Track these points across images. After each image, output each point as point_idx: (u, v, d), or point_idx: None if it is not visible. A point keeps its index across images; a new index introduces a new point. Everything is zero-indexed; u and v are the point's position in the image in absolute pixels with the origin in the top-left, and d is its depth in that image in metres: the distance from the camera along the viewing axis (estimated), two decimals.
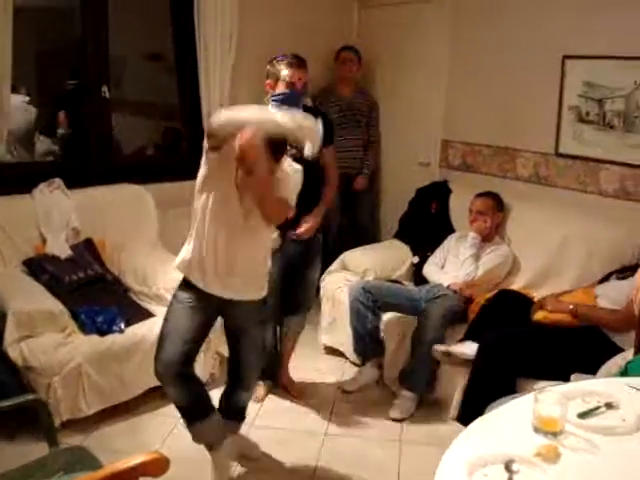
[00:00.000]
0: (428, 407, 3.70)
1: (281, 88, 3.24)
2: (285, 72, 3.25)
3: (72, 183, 4.18)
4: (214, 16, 4.54)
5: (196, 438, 2.97)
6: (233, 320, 2.95)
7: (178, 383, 2.83)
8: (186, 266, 2.83)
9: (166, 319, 2.87)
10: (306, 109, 3.11)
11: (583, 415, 1.95)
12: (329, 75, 5.24)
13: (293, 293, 3.65)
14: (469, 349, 3.37)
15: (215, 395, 3.17)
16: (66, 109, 5.28)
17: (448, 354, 3.48)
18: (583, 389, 2.13)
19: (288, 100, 3.03)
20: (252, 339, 2.98)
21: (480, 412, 2.19)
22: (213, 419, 2.94)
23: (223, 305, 2.85)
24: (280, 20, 5.01)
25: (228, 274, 2.76)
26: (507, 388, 2.89)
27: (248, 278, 2.83)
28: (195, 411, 2.92)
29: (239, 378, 3.08)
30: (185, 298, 2.83)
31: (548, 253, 3.88)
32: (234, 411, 3.16)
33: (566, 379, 2.82)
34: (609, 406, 2.01)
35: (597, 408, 2.00)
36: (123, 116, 5.27)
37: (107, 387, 3.45)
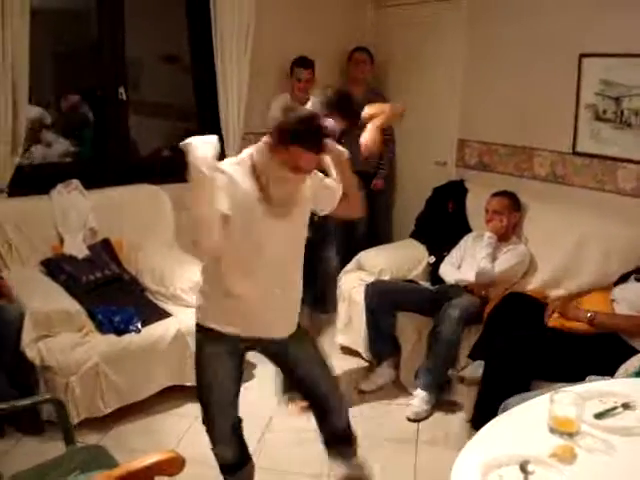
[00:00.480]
0: (444, 407, 3.68)
1: None
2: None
3: (90, 184, 4.22)
4: (230, 17, 4.57)
5: None
6: (286, 353, 2.67)
7: (232, 445, 2.65)
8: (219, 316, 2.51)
9: (204, 382, 2.58)
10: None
11: (600, 415, 1.94)
12: (343, 75, 5.24)
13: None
14: (481, 370, 3.35)
15: None
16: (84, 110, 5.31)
17: (462, 379, 3.47)
18: (600, 389, 2.12)
19: None
20: (310, 358, 2.72)
21: (494, 414, 2.18)
22: (249, 466, 2.75)
23: (265, 345, 2.62)
24: (295, 20, 5.04)
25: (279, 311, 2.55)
26: (521, 391, 2.86)
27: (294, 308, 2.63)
28: (237, 464, 2.70)
29: (322, 405, 2.77)
30: (216, 352, 2.53)
31: (565, 253, 3.84)
32: (339, 437, 2.84)
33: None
34: (626, 406, 2.00)
35: (614, 408, 1.99)
36: (140, 118, 5.30)
37: (124, 386, 3.47)
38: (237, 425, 2.66)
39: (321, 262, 4.15)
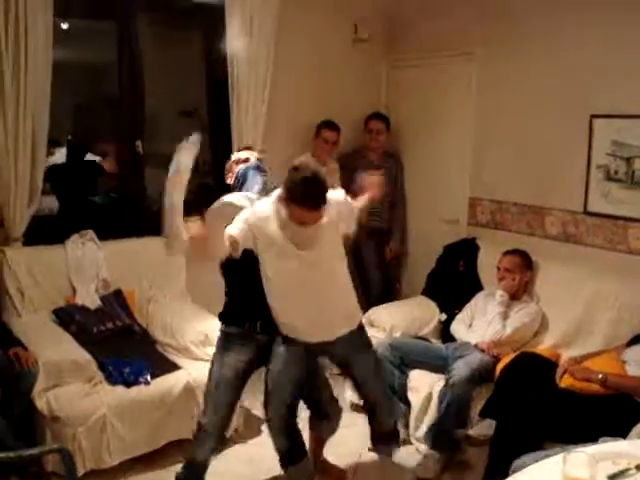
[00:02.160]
0: (455, 468, 3.63)
1: (235, 170, 3.31)
2: (233, 157, 3.37)
3: (104, 235, 4.27)
4: (247, 73, 4.66)
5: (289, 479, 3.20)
6: (342, 356, 3.13)
7: (285, 432, 3.08)
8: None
9: (272, 371, 3.03)
10: None
11: (613, 477, 1.92)
12: (360, 136, 5.28)
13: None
14: (489, 429, 3.31)
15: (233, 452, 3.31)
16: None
17: (469, 437, 3.43)
18: (613, 450, 2.09)
19: (245, 175, 3.23)
20: (364, 365, 3.16)
21: (505, 475, 2.14)
22: (305, 462, 3.18)
23: (326, 348, 3.03)
24: (312, 77, 5.13)
25: (325, 317, 2.94)
26: (533, 451, 2.82)
27: (342, 311, 3.03)
28: (293, 456, 3.13)
29: (374, 408, 3.28)
30: (285, 352, 2.99)
31: (577, 313, 3.83)
32: (386, 435, 3.39)
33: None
34: (639, 468, 1.96)
35: (627, 470, 1.96)
36: (155, 170, 5.37)
37: (131, 438, 3.44)
38: (293, 414, 3.11)
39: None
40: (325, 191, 2.71)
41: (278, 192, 2.81)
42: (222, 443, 3.32)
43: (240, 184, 3.19)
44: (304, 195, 2.66)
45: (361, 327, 3.16)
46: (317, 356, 3.14)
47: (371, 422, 3.38)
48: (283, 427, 3.08)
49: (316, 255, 2.85)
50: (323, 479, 3.53)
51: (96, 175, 4.82)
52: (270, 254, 2.84)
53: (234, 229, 2.77)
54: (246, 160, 3.30)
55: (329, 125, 4.92)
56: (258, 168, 3.25)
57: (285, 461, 3.15)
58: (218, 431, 3.15)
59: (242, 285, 3.08)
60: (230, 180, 3.29)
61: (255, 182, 3.16)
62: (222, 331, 3.16)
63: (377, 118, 5.15)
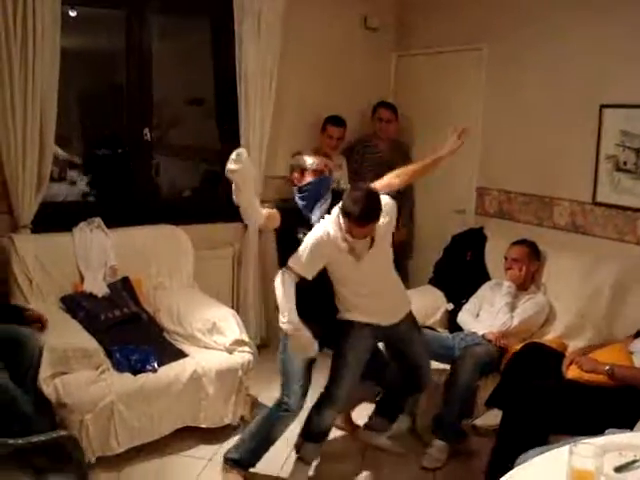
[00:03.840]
0: (461, 457, 3.63)
1: (308, 178, 3.29)
2: (309, 160, 3.32)
3: (112, 222, 4.28)
4: (255, 61, 4.66)
5: (302, 452, 3.36)
6: (401, 337, 3.40)
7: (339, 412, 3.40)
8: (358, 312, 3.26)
9: (345, 354, 3.24)
10: (335, 194, 3.29)
11: (620, 469, 1.91)
12: (368, 125, 5.28)
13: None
14: (495, 419, 3.31)
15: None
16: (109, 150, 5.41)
17: (475, 427, 3.43)
18: (619, 442, 2.08)
19: (315, 189, 3.25)
20: (419, 340, 3.50)
21: (509, 466, 2.14)
22: (321, 445, 3.38)
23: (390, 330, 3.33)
24: (319, 67, 5.13)
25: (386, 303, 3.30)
26: (538, 443, 2.82)
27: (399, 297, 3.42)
28: (322, 435, 3.34)
29: (417, 382, 3.51)
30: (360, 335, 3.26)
31: (584, 303, 3.82)
32: (398, 409, 3.71)
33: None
34: None
35: (634, 462, 1.95)
36: (163, 158, 5.38)
37: (138, 426, 3.46)
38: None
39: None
40: (376, 209, 2.98)
41: (338, 209, 3.05)
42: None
43: (308, 197, 3.25)
44: (355, 209, 2.92)
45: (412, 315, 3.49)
46: (389, 336, 3.39)
47: (396, 395, 3.65)
48: (341, 406, 3.35)
49: (374, 257, 3.13)
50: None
51: None
52: (339, 264, 3.14)
53: (302, 266, 3.08)
54: (321, 172, 3.30)
55: (335, 121, 4.90)
56: (329, 189, 3.32)
57: (318, 437, 3.33)
58: (300, 407, 3.30)
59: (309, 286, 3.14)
60: (298, 183, 3.32)
61: (320, 208, 3.24)
62: None
63: (386, 107, 5.11)
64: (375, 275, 3.20)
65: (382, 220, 3.05)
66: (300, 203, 3.28)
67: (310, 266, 3.07)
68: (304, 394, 3.28)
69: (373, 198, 2.98)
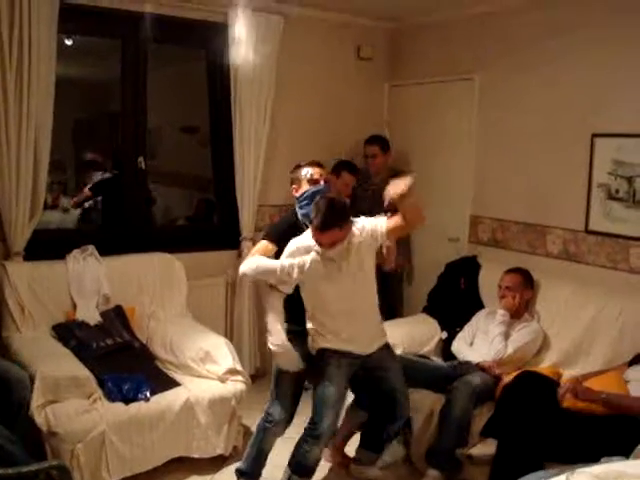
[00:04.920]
0: None
1: (305, 187, 3.40)
2: (305, 171, 3.44)
3: (106, 250, 4.26)
4: (250, 91, 4.70)
5: None
6: (377, 365, 3.35)
7: (325, 444, 3.31)
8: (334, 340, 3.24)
9: (326, 388, 3.20)
10: None
11: None
12: (361, 154, 5.27)
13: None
14: (490, 449, 3.29)
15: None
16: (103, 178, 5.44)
17: (470, 457, 3.41)
18: (616, 470, 2.06)
19: (311, 197, 3.29)
20: (396, 371, 3.42)
21: None
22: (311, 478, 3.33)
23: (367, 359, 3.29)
24: (314, 96, 5.17)
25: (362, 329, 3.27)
26: (534, 471, 2.80)
27: (376, 326, 3.38)
28: (311, 471, 3.30)
29: (394, 410, 3.42)
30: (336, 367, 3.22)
31: (578, 331, 3.82)
32: (380, 442, 3.59)
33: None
34: None
35: None
36: (157, 186, 5.40)
37: (130, 456, 3.42)
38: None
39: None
40: (335, 215, 3.01)
41: None
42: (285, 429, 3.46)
43: (306, 206, 3.31)
44: (315, 217, 3.01)
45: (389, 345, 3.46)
46: (366, 365, 3.32)
47: (376, 426, 3.55)
48: (327, 439, 3.29)
49: (352, 274, 3.16)
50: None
51: None
52: (316, 274, 3.13)
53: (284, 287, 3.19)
54: (316, 181, 3.41)
55: (349, 168, 4.77)
56: (326, 192, 3.37)
57: (307, 472, 3.28)
58: (284, 420, 3.37)
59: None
60: (296, 193, 3.44)
61: None
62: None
63: (371, 142, 5.06)
64: (352, 294, 3.20)
65: (357, 237, 3.12)
66: (300, 212, 3.37)
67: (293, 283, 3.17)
68: (288, 409, 3.37)
69: (334, 206, 3.04)
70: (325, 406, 3.19)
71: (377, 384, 3.42)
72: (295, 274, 3.12)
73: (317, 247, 3.11)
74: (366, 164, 5.09)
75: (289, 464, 3.30)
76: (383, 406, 3.46)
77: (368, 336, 3.31)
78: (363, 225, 3.20)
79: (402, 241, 5.09)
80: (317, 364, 3.25)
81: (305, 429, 3.26)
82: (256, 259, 3.27)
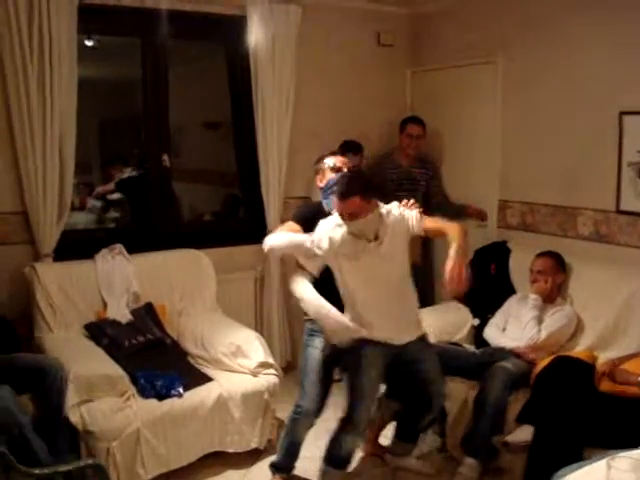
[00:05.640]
0: (493, 475, 3.55)
1: (328, 177, 3.38)
2: (329, 160, 3.43)
3: (133, 249, 4.29)
4: (271, 84, 4.68)
5: (325, 478, 3.30)
6: (411, 358, 3.29)
7: (362, 434, 3.29)
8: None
9: (362, 374, 3.16)
10: None
11: None
12: (386, 142, 5.27)
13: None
14: (526, 435, 3.25)
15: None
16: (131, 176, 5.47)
17: (506, 444, 3.37)
18: None
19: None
20: (432, 361, 3.36)
21: None
22: (345, 472, 3.31)
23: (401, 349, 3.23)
24: (335, 86, 5.14)
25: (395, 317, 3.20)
26: (572, 457, 2.75)
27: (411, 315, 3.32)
28: (345, 461, 3.27)
29: (429, 402, 3.38)
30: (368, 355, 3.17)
31: (612, 314, 3.75)
32: (415, 433, 3.58)
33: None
34: None
35: None
36: (183, 183, 5.41)
37: (165, 452, 3.44)
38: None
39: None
40: (355, 184, 2.99)
41: None
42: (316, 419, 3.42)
43: (330, 193, 3.26)
44: (336, 185, 3.06)
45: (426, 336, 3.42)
46: (400, 356, 3.25)
47: (410, 417, 3.53)
48: (361, 431, 3.26)
49: (381, 256, 3.08)
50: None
51: None
52: (343, 259, 3.10)
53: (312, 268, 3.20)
54: (339, 170, 3.39)
55: (352, 149, 4.81)
56: None
57: (340, 463, 3.26)
58: (314, 411, 3.34)
59: (327, 284, 3.20)
60: (321, 183, 3.43)
61: None
62: (306, 319, 3.37)
63: (416, 122, 4.98)
64: (382, 279, 3.14)
65: (391, 219, 3.09)
66: (324, 202, 3.35)
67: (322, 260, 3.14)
68: (318, 398, 3.33)
69: (357, 176, 3.11)
70: (358, 396, 3.17)
71: (413, 376, 3.37)
72: (325, 245, 3.08)
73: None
74: (407, 145, 4.97)
75: (324, 456, 3.28)
76: (418, 398, 3.42)
77: (401, 326, 3.24)
78: (400, 212, 3.14)
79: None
80: (350, 353, 3.20)
81: (339, 420, 3.24)
82: (284, 233, 3.28)
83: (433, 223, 3.16)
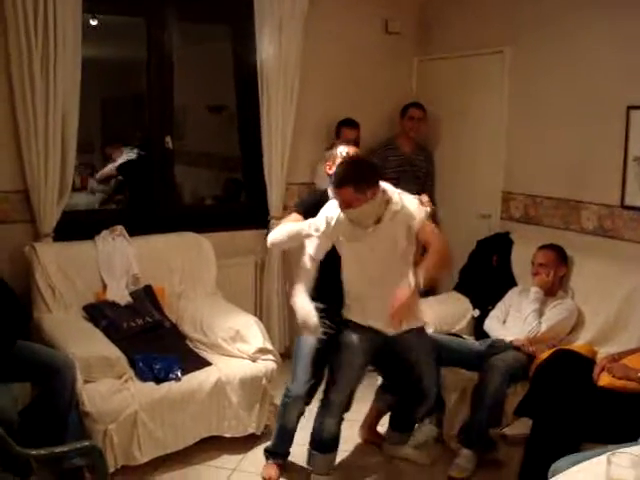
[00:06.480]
0: (489, 467, 3.55)
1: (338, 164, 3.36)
2: (342, 148, 3.42)
3: (135, 231, 4.26)
4: (277, 68, 4.65)
5: (312, 463, 3.33)
6: (403, 348, 3.28)
7: (339, 418, 3.26)
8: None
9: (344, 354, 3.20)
10: None
11: None
12: (389, 129, 5.25)
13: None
14: (524, 428, 3.25)
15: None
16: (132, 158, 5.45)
17: (504, 436, 3.36)
18: None
19: None
20: (424, 352, 3.35)
21: (541, 475, 2.08)
22: (333, 455, 3.34)
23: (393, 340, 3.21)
24: (340, 72, 5.10)
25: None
26: (570, 451, 2.75)
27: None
28: (330, 445, 3.29)
29: (421, 396, 3.39)
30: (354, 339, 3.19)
31: (613, 308, 3.74)
32: (409, 423, 3.61)
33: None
34: None
35: None
36: (185, 167, 5.38)
37: (162, 435, 3.43)
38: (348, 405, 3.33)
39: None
40: (349, 175, 2.97)
41: None
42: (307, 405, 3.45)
43: None
44: (334, 174, 3.07)
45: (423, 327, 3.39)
46: (391, 346, 3.25)
47: (404, 408, 3.56)
48: (339, 413, 3.25)
49: (381, 241, 3.07)
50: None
51: None
52: (341, 242, 3.14)
53: (309, 247, 3.16)
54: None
55: (349, 123, 4.89)
56: None
57: (322, 446, 3.28)
58: (303, 395, 3.35)
59: (330, 268, 3.21)
60: (330, 170, 3.40)
61: None
62: None
63: (417, 106, 5.08)
64: (377, 262, 3.11)
65: (395, 206, 3.06)
66: (330, 189, 3.33)
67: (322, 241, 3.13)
68: (309, 384, 3.34)
69: (352, 165, 3.06)
70: (338, 380, 3.20)
71: (404, 368, 3.37)
72: (323, 226, 3.09)
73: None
74: (409, 128, 5.05)
75: (310, 440, 3.33)
76: (411, 390, 3.43)
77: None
78: (408, 203, 3.13)
79: None
80: (338, 337, 3.23)
81: (320, 401, 3.31)
82: (282, 226, 3.29)
83: (428, 235, 3.13)
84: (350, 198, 2.96)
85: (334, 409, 3.23)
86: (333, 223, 3.10)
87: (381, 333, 3.18)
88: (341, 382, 3.20)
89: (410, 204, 3.13)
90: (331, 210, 3.13)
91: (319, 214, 3.17)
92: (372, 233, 3.06)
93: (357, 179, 2.95)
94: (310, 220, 3.17)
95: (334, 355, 3.24)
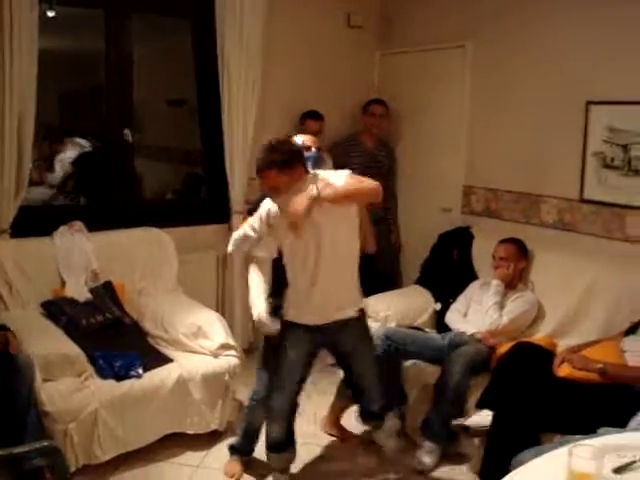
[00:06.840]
0: (452, 459, 3.59)
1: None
2: (297, 139, 3.34)
3: (93, 226, 4.19)
4: (238, 61, 4.61)
5: (270, 461, 3.27)
6: (346, 350, 3.19)
7: (285, 420, 3.16)
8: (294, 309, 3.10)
9: (282, 359, 3.09)
10: None
11: (619, 470, 1.87)
12: (351, 123, 5.25)
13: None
14: (486, 420, 3.28)
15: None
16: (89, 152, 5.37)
17: (466, 428, 3.39)
18: (617, 443, 2.05)
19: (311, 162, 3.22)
20: (367, 360, 3.24)
21: (503, 467, 2.10)
22: (291, 451, 3.25)
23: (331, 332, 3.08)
24: (303, 65, 5.09)
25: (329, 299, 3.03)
26: (531, 442, 2.78)
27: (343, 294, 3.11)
28: (283, 445, 3.19)
29: (366, 405, 3.32)
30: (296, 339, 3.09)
31: (573, 301, 3.80)
32: (375, 416, 3.38)
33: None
34: None
35: (633, 463, 1.92)
36: (145, 160, 5.31)
37: (123, 433, 3.38)
38: (294, 406, 3.20)
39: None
40: (268, 158, 2.83)
41: None
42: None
43: None
44: (255, 162, 2.91)
45: (362, 315, 3.22)
46: (325, 342, 3.18)
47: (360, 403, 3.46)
48: (285, 416, 3.16)
49: (313, 227, 2.88)
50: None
51: None
52: (280, 235, 3.01)
53: (258, 250, 3.19)
54: (308, 149, 3.31)
55: (312, 115, 4.89)
56: (317, 160, 3.31)
57: (273, 448, 3.21)
58: (263, 399, 3.29)
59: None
60: None
61: None
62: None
63: (379, 103, 5.10)
64: (312, 253, 2.92)
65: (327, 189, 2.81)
66: None
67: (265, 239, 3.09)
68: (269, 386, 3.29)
69: (270, 147, 2.87)
70: (275, 384, 3.14)
71: (349, 371, 3.30)
72: (257, 225, 3.03)
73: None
74: (370, 124, 5.07)
75: (265, 440, 3.27)
76: (357, 392, 3.37)
77: (330, 305, 3.04)
78: (335, 179, 2.91)
79: (392, 219, 5.10)
80: (279, 339, 3.15)
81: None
82: (235, 232, 3.24)
83: (350, 186, 2.90)
84: (275, 180, 2.83)
85: (276, 415, 3.14)
86: (265, 217, 3.00)
87: (318, 329, 3.04)
88: (278, 390, 3.12)
89: (337, 180, 2.91)
90: (265, 205, 3.03)
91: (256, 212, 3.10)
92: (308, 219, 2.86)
93: (278, 161, 2.82)
94: (249, 219, 3.12)
95: (275, 361, 3.14)
